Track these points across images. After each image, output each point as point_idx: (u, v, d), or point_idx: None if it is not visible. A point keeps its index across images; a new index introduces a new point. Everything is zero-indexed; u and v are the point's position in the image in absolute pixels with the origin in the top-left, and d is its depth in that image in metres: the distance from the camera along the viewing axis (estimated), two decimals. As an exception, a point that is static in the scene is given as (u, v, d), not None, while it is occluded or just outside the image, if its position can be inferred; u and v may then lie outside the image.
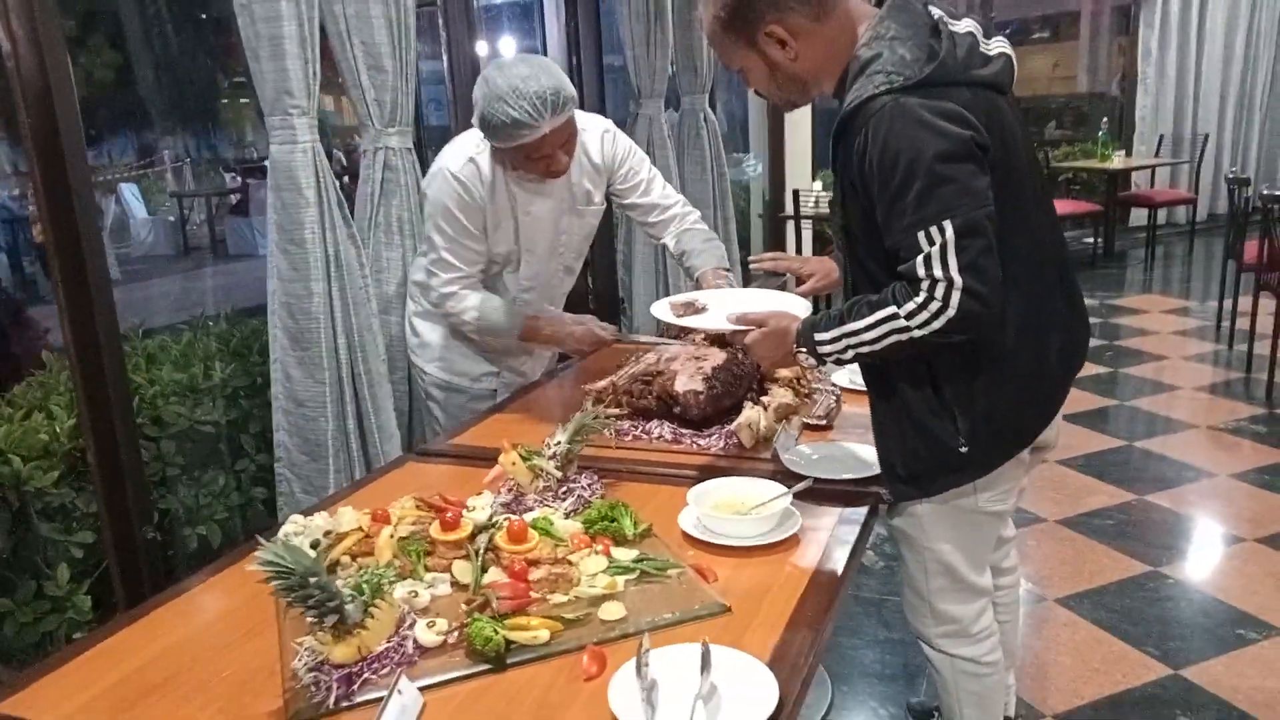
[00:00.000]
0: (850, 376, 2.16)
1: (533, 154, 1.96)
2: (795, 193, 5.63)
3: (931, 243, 1.29)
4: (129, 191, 9.13)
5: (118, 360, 2.11)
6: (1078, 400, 4.25)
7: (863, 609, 2.76)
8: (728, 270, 2.24)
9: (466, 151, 2.04)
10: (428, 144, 4.33)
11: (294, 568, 1.11)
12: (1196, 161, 7.73)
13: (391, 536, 1.39)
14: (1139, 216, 7.90)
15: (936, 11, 1.40)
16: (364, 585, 1.18)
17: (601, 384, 2.02)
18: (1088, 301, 6.52)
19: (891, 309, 1.35)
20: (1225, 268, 5.31)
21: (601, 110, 4.05)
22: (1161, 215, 7.94)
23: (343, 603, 1.15)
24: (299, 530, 1.52)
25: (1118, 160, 7.18)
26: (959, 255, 1.28)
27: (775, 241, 6.52)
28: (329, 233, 2.38)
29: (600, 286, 4.17)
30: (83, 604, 2.30)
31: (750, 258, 2.10)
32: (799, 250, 5.66)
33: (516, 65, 1.88)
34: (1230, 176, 5.09)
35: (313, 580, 1.12)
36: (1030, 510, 3.32)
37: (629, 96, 4.29)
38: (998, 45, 1.44)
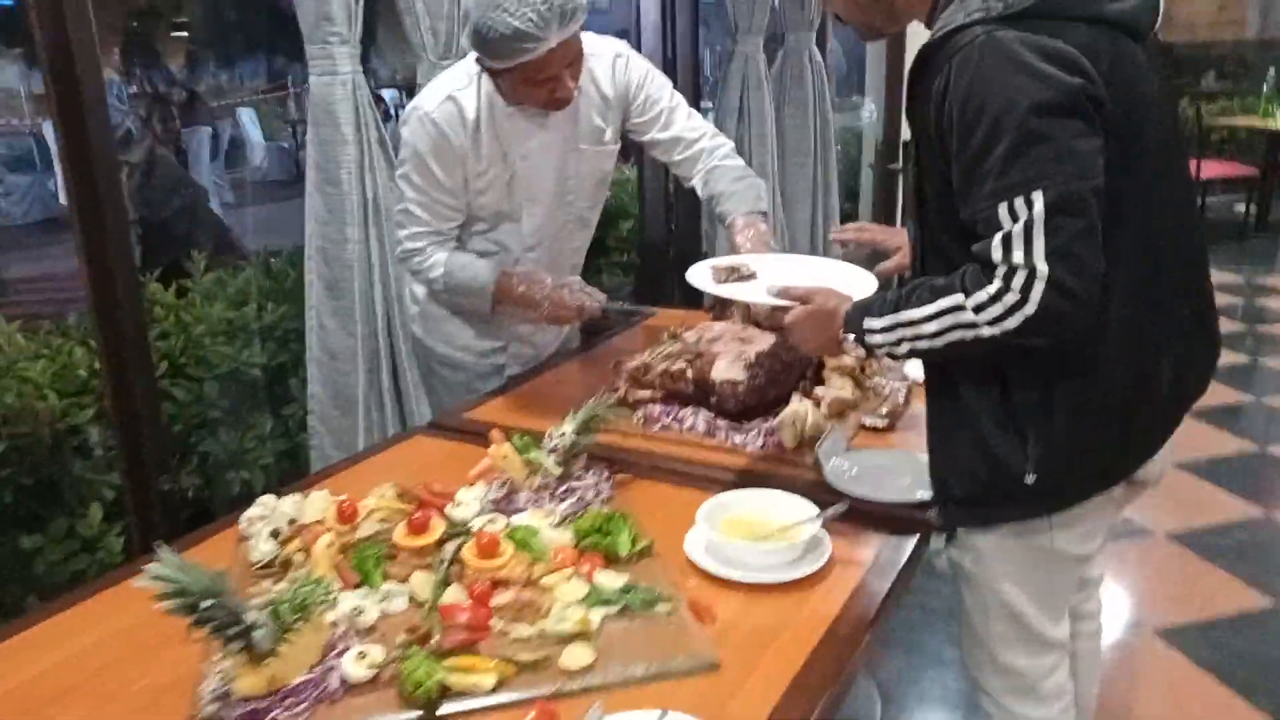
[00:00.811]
0: (909, 371, 1.94)
1: (535, 76, 1.79)
2: (906, 145, 5.24)
3: (1015, 218, 1.13)
4: (247, 116, 9.31)
5: (135, 305, 2.04)
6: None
7: (928, 619, 2.50)
8: (764, 213, 2.03)
9: (445, 88, 1.87)
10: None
11: (190, 587, 0.94)
12: (1379, 124, 6.86)
13: (329, 546, 1.22)
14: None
15: None
16: (280, 607, 1.01)
17: (635, 362, 1.87)
18: (1231, 277, 6.11)
19: (957, 298, 1.20)
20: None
21: (694, 51, 3.79)
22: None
23: (251, 628, 0.98)
24: (264, 514, 1.40)
25: (1283, 118, 6.43)
26: (1048, 237, 1.12)
27: (884, 196, 6.15)
28: (368, 175, 2.31)
29: (682, 240, 3.94)
30: (114, 545, 2.29)
31: (832, 231, 1.85)
32: (906, 209, 5.28)
33: None
34: None
35: (212, 601, 0.96)
36: (1134, 518, 2.98)
37: (724, 32, 4.06)
38: None
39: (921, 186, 1.27)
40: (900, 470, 1.54)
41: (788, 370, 1.82)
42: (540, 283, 1.95)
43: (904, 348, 1.27)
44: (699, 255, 4.15)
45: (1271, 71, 6.86)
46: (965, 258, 1.21)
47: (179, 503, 2.29)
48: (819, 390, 1.78)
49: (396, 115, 7.82)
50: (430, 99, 1.87)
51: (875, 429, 1.73)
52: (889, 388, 1.86)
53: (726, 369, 1.75)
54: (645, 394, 1.82)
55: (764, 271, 1.67)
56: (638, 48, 3.99)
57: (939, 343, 1.23)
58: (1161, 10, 1.25)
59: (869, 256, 1.82)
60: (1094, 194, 1.13)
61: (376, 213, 2.32)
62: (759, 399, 1.74)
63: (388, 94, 9.06)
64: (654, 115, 2.06)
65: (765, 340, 1.83)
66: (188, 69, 8.77)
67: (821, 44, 4.60)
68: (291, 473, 2.65)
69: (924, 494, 1.44)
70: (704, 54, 4.36)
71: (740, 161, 2.13)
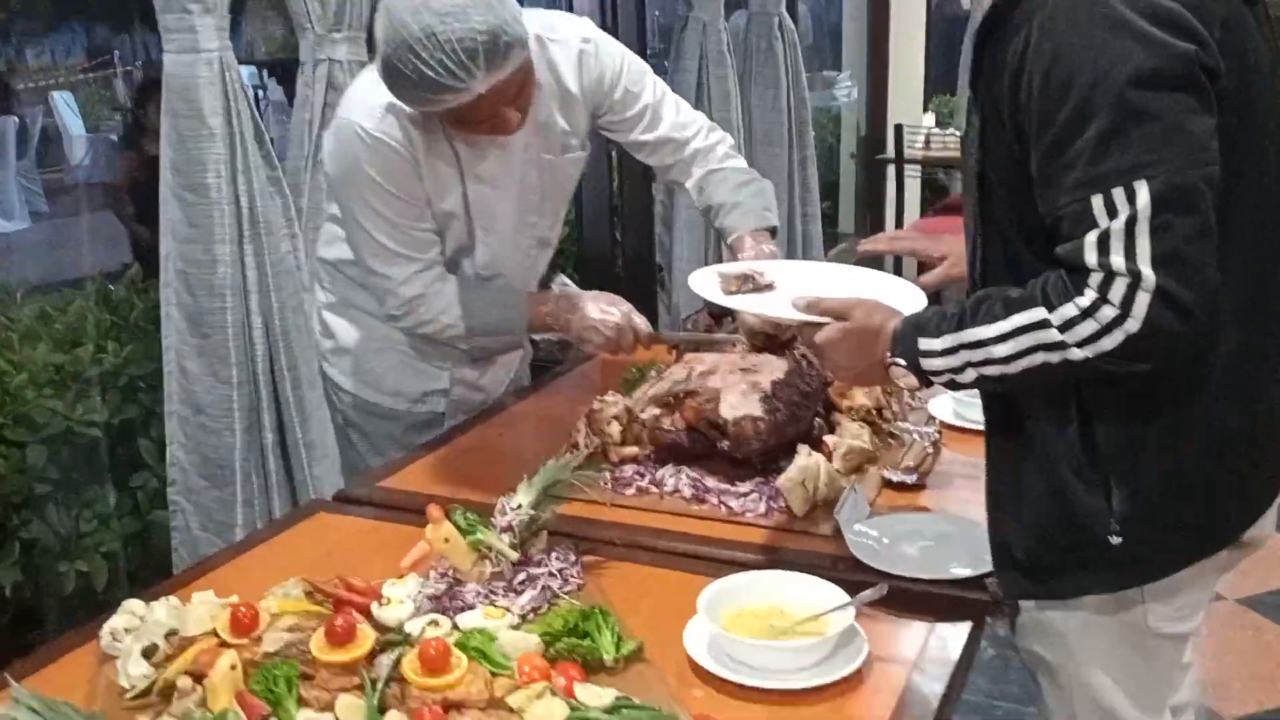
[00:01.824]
0: (955, 407, 1.99)
1: (465, 117, 1.82)
2: (899, 128, 5.49)
3: (1113, 214, 1.15)
4: (63, 100, 9.10)
5: None
6: None
7: (963, 717, 2.52)
8: (773, 229, 2.07)
9: (382, 96, 1.85)
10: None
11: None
12: None
13: (233, 668, 1.18)
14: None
15: None
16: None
17: (611, 409, 1.88)
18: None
19: (1038, 312, 1.21)
20: None
21: (640, 17, 3.85)
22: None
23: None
24: (131, 625, 1.34)
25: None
26: (1155, 237, 1.14)
27: (870, 193, 6.27)
28: (242, 176, 2.27)
29: (632, 249, 3.96)
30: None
31: (860, 243, 1.88)
32: (899, 210, 5.45)
33: None
34: None
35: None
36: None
37: None
38: None
39: (985, 176, 1.29)
40: (942, 537, 1.55)
41: (807, 401, 1.83)
42: (577, 304, 1.99)
43: (969, 375, 1.27)
44: (650, 269, 4.18)
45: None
46: (1042, 265, 1.22)
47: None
48: (830, 439, 1.79)
49: (258, 102, 7.73)
50: (364, 111, 1.88)
51: (901, 486, 1.74)
52: (914, 434, 1.87)
53: (740, 403, 1.76)
54: (631, 451, 1.82)
55: (784, 280, 1.68)
56: (567, 6, 4.04)
57: (1014, 368, 1.23)
58: None
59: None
60: (1208, 185, 1.14)
61: (254, 225, 2.28)
62: (780, 438, 1.75)
63: (244, 72, 8.97)
64: (635, 113, 2.09)
65: (774, 367, 1.85)
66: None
67: (792, 8, 4.70)
68: (144, 563, 2.59)
69: (974, 567, 1.45)
70: (650, 21, 4.40)
71: (742, 161, 2.17)
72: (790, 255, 4.51)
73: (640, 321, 1.98)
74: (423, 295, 1.97)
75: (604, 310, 1.97)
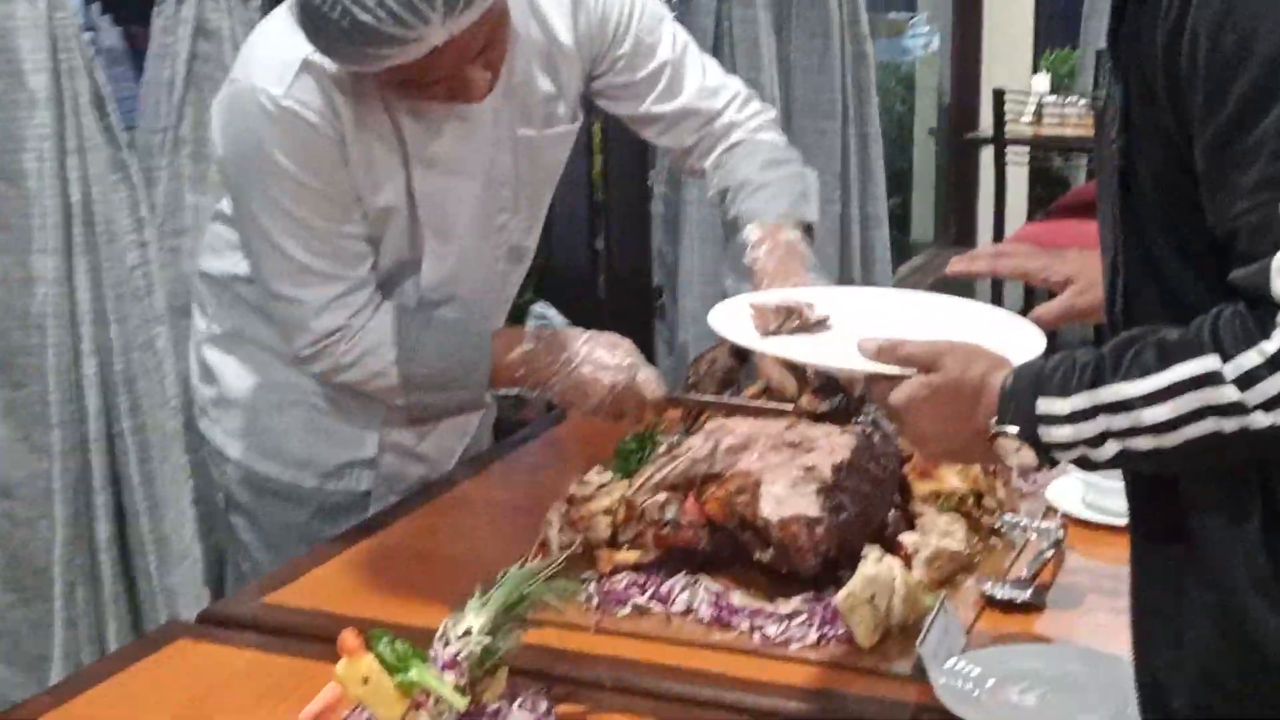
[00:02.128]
0: (1086, 494, 2.04)
1: (415, 79, 1.87)
2: (999, 95, 5.58)
3: None
4: None
5: None
6: None
7: None
8: (808, 226, 2.13)
9: (293, 50, 1.90)
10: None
11: None
12: None
13: None
14: None
15: None
16: None
17: (605, 499, 1.93)
18: None
19: (1207, 362, 1.23)
20: None
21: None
22: None
23: None
24: None
25: None
26: None
27: (959, 184, 6.34)
28: (74, 159, 2.32)
29: (619, 263, 4.01)
30: None
31: (952, 261, 1.92)
32: (999, 210, 5.50)
33: None
34: None
35: None
36: None
37: None
38: None
39: (1130, 169, 1.33)
40: (1067, 680, 1.58)
41: (880, 491, 1.88)
42: (565, 348, 2.03)
43: (1108, 448, 1.30)
44: (644, 292, 4.22)
45: None
46: (1210, 296, 1.25)
47: None
48: (909, 539, 1.83)
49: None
50: (270, 71, 1.92)
51: (1010, 605, 1.78)
52: (1028, 532, 1.92)
53: (787, 498, 1.79)
54: (628, 556, 1.85)
55: (843, 315, 1.72)
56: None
57: (1172, 439, 1.26)
58: None
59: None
60: None
61: (89, 228, 2.32)
62: (846, 544, 1.78)
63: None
64: (648, 74, 2.16)
65: (834, 444, 1.88)
66: None
67: (847, -75, 4.77)
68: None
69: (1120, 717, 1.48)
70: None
71: (780, 136, 2.24)
72: (845, 275, 4.59)
73: (650, 377, 2.03)
74: (345, 329, 2.01)
75: (601, 360, 2.02)
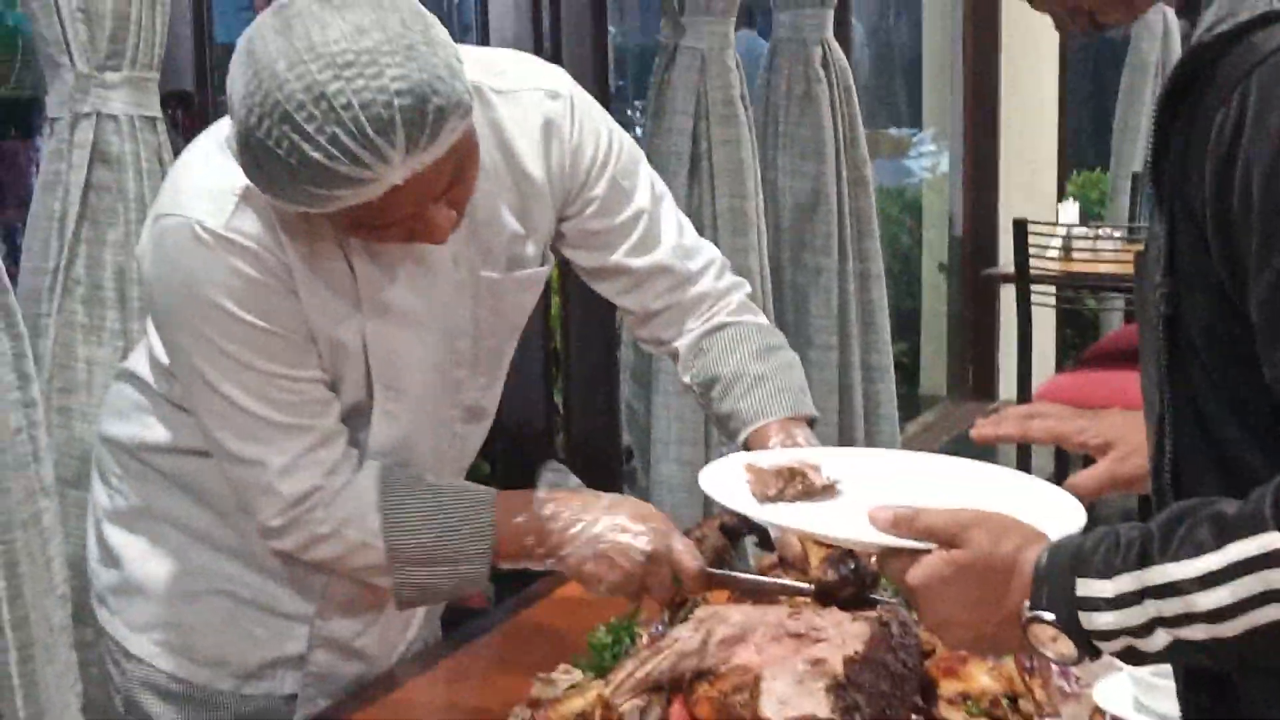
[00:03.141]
0: (1138, 693, 2.02)
1: (369, 221, 1.91)
2: (1020, 225, 5.59)
3: None
4: None
5: None
6: None
7: None
8: (812, 420, 2.19)
9: (230, 176, 1.94)
10: (219, 98, 4.28)
11: None
12: None
13: None
14: None
15: None
16: None
17: (577, 701, 1.93)
18: None
19: (1271, 539, 1.25)
20: None
21: (599, 42, 4.01)
22: None
23: None
24: None
25: None
26: None
27: (976, 328, 6.40)
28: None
29: (582, 422, 4.05)
30: None
31: (978, 424, 1.95)
32: (1024, 358, 5.56)
33: (320, 20, 1.79)
34: None
35: None
36: None
37: (657, 10, 4.36)
38: None
39: (1177, 318, 1.36)
40: None
41: (900, 691, 1.88)
42: (580, 520, 2.04)
43: (1159, 639, 1.31)
44: (612, 455, 4.24)
45: None
46: (1270, 464, 1.28)
47: None
48: (933, 747, 1.84)
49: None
50: (203, 200, 1.96)
51: (1049, 826, 1.80)
52: (1071, 738, 1.92)
53: (793, 697, 1.80)
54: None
55: (852, 480, 1.75)
56: (481, 35, 4.18)
57: (1232, 628, 1.27)
58: None
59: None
60: None
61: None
62: None
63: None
64: (622, 222, 2.22)
65: (845, 632, 1.90)
66: None
67: (843, 33, 4.90)
68: None
69: None
70: (623, 49, 4.59)
71: (761, 317, 2.32)
72: (845, 434, 4.62)
73: (685, 550, 2.03)
74: (319, 490, 2.02)
75: (628, 528, 2.03)
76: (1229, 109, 1.26)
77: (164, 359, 2.13)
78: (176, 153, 2.63)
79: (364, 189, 1.80)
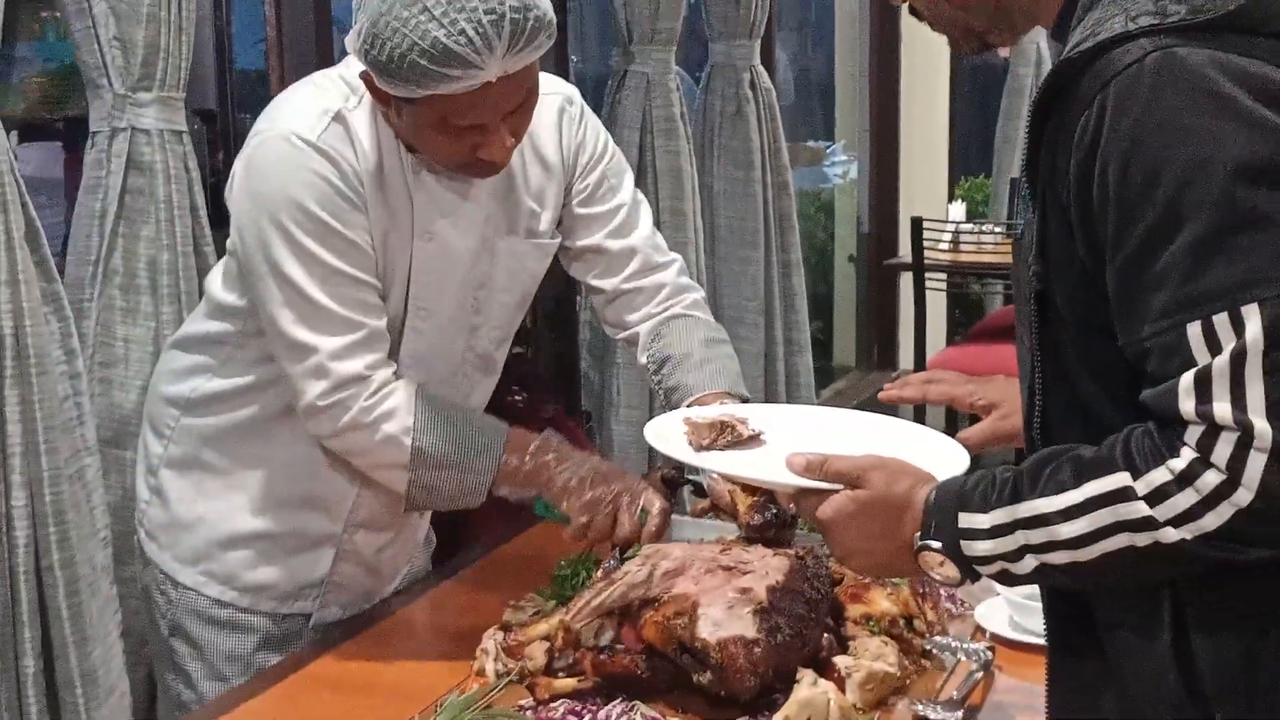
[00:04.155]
0: (1014, 615, 2.04)
1: (456, 120, 1.94)
2: (916, 222, 5.60)
3: (1215, 347, 1.22)
4: None
5: None
6: None
7: None
8: (745, 400, 2.19)
9: (325, 102, 2.02)
10: (238, 115, 4.26)
11: None
12: None
13: None
14: None
15: None
16: None
17: (542, 625, 1.94)
18: None
19: (1120, 478, 1.26)
20: None
21: (560, 69, 3.99)
22: None
23: None
24: None
25: None
26: (1271, 379, 1.20)
27: (878, 311, 6.41)
28: (7, 290, 2.29)
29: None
30: None
31: (885, 388, 1.97)
32: (920, 335, 5.56)
33: None
34: None
35: None
36: None
37: (612, 39, 4.29)
38: None
39: (1046, 294, 1.36)
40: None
41: (814, 613, 1.88)
42: (573, 462, 2.04)
43: (1027, 563, 1.32)
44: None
45: None
46: (1122, 416, 1.29)
47: None
48: (842, 661, 1.83)
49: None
50: (301, 118, 2.00)
51: (944, 728, 1.78)
52: (958, 653, 1.93)
53: (725, 621, 1.79)
54: (566, 684, 1.84)
55: (774, 432, 1.76)
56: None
57: (1087, 554, 1.28)
58: None
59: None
60: None
61: (20, 361, 2.28)
62: (783, 665, 1.78)
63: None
64: (607, 210, 2.26)
65: (768, 565, 1.89)
66: None
67: (768, 59, 4.89)
68: None
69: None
70: (573, 77, 4.57)
71: (710, 317, 2.34)
72: (770, 400, 4.60)
73: (653, 493, 2.03)
74: (364, 380, 2.01)
75: (605, 472, 2.04)
76: (1090, 113, 1.26)
77: (230, 293, 2.16)
78: (200, 162, 2.72)
79: (467, 74, 1.86)
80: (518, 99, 1.95)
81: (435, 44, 1.82)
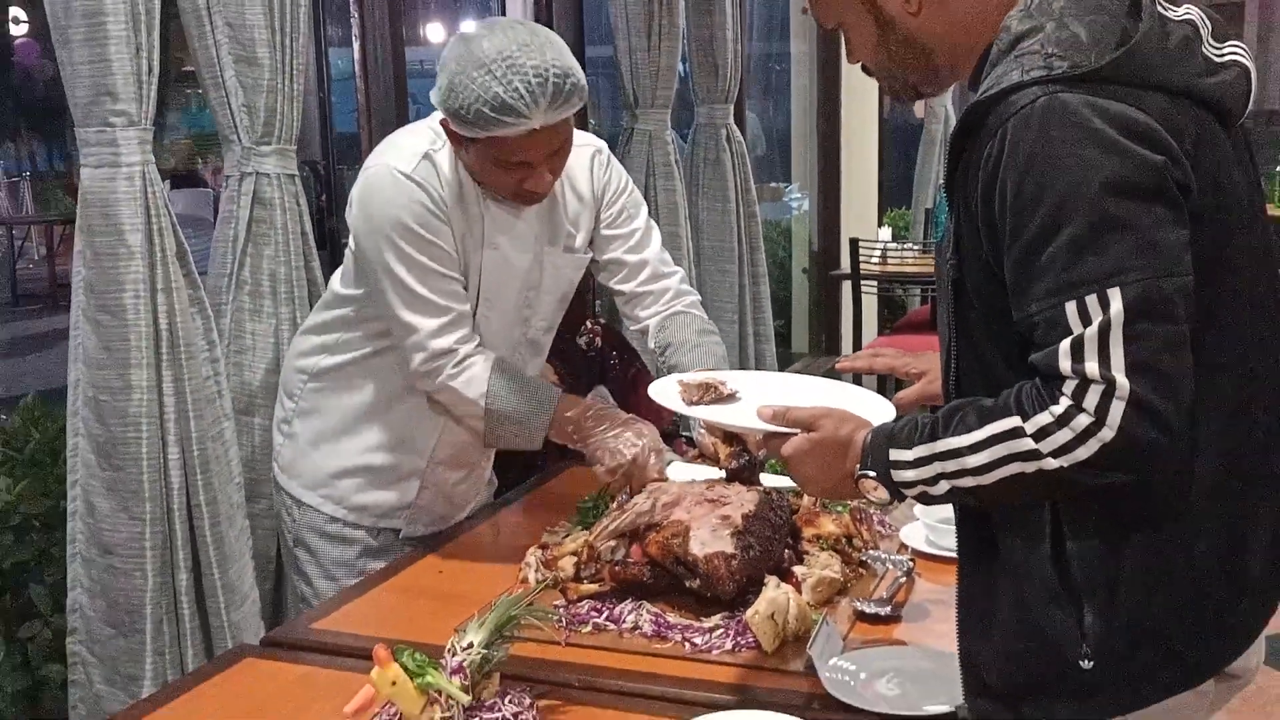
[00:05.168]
0: (929, 534, 2.04)
1: (509, 157, 1.96)
2: (854, 243, 5.58)
3: (1086, 320, 1.21)
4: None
5: None
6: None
7: None
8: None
9: (419, 146, 2.04)
10: (337, 165, 4.24)
11: None
12: None
13: None
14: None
15: None
16: None
17: (571, 545, 1.93)
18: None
19: (1013, 421, 1.25)
20: None
21: (581, 124, 3.97)
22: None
23: None
24: None
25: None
26: (1129, 345, 1.20)
27: (826, 309, 6.41)
28: (162, 296, 2.30)
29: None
30: None
31: (841, 360, 1.97)
32: (857, 328, 5.55)
33: (513, 28, 1.93)
34: None
35: None
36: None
37: (621, 105, 4.27)
38: (1234, 52, 1.35)
39: (960, 282, 1.35)
40: (921, 672, 1.59)
41: (778, 534, 1.88)
42: (609, 418, 2.05)
43: (942, 486, 1.31)
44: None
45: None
46: (1015, 375, 1.28)
47: None
48: (799, 570, 1.83)
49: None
50: (401, 157, 2.01)
51: (876, 619, 1.78)
52: (886, 563, 1.92)
53: (710, 539, 1.79)
54: (590, 589, 1.84)
55: (748, 391, 1.74)
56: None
57: (988, 479, 1.27)
58: (1254, 93, 1.36)
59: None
60: (1182, 296, 1.21)
61: (173, 349, 2.29)
62: (754, 575, 1.78)
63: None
64: (626, 232, 2.26)
65: (743, 498, 1.89)
66: None
67: (739, 119, 4.87)
68: (38, 720, 2.52)
69: (953, 703, 1.48)
70: (594, 132, 4.56)
71: (705, 315, 2.32)
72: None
73: (656, 462, 2.02)
74: (454, 352, 2.05)
75: (629, 440, 2.02)
76: (994, 143, 1.26)
77: (347, 288, 2.19)
78: (308, 200, 2.73)
79: (518, 122, 1.87)
80: (556, 144, 1.96)
81: (495, 97, 1.84)
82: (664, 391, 1.73)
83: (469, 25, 1.95)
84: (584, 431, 2.05)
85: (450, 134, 1.98)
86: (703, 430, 2.05)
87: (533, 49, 1.87)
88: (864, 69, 1.48)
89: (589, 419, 2.06)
